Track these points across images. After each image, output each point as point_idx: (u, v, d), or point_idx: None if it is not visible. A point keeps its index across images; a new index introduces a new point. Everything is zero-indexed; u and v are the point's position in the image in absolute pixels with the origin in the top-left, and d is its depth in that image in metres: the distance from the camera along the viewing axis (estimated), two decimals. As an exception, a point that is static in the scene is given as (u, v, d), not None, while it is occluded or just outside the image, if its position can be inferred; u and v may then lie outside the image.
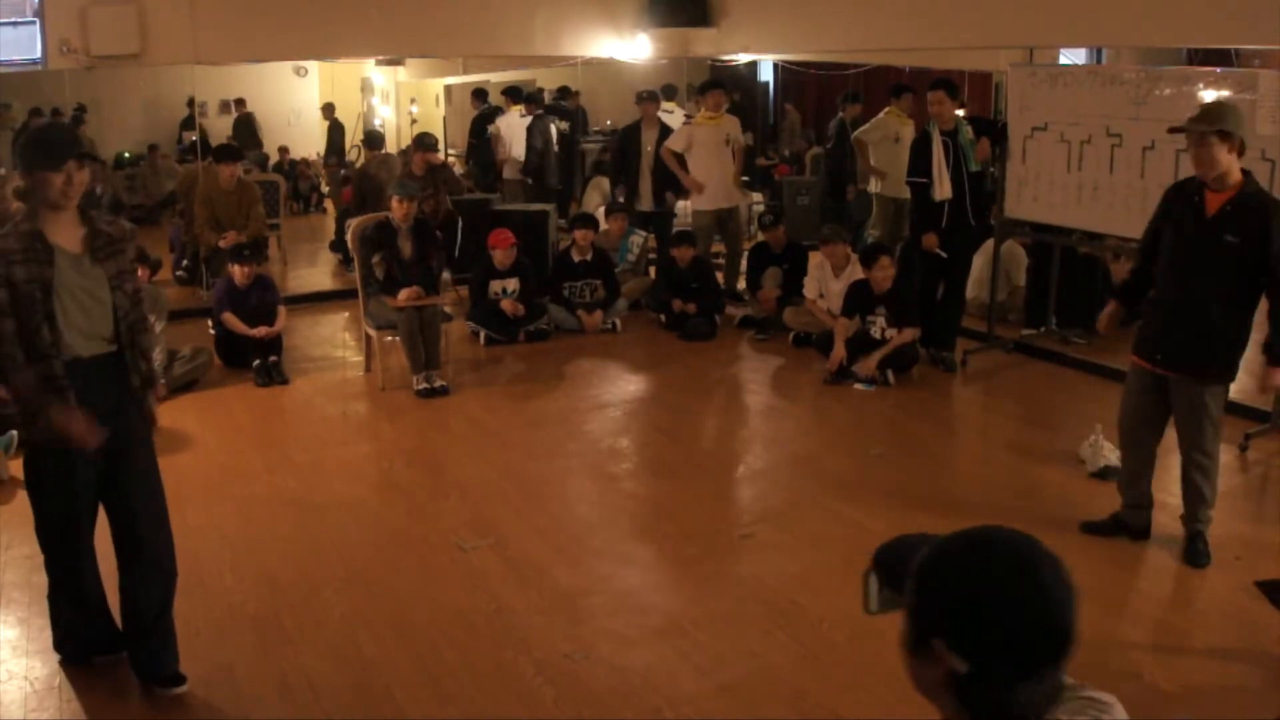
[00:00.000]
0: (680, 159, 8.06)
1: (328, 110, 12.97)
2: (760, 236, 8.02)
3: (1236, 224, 3.77)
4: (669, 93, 10.46)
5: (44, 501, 3.16)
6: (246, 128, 11.99)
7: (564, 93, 11.54)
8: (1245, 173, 3.84)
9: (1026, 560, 1.24)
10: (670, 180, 8.35)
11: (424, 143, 8.12)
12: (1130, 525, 4.25)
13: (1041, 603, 1.22)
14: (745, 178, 8.57)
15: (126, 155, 11.39)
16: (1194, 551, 4.07)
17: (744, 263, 8.22)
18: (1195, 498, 4.07)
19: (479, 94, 11.36)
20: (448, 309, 6.67)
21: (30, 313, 2.94)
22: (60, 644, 3.43)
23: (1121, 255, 6.51)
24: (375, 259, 6.41)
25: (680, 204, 9.03)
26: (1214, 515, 4.11)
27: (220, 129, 11.62)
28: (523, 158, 10.08)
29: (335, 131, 13.00)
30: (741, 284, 8.26)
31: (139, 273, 5.90)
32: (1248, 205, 3.78)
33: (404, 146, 11.45)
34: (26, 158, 2.97)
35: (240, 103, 12.07)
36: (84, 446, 2.98)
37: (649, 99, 8.71)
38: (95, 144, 8.94)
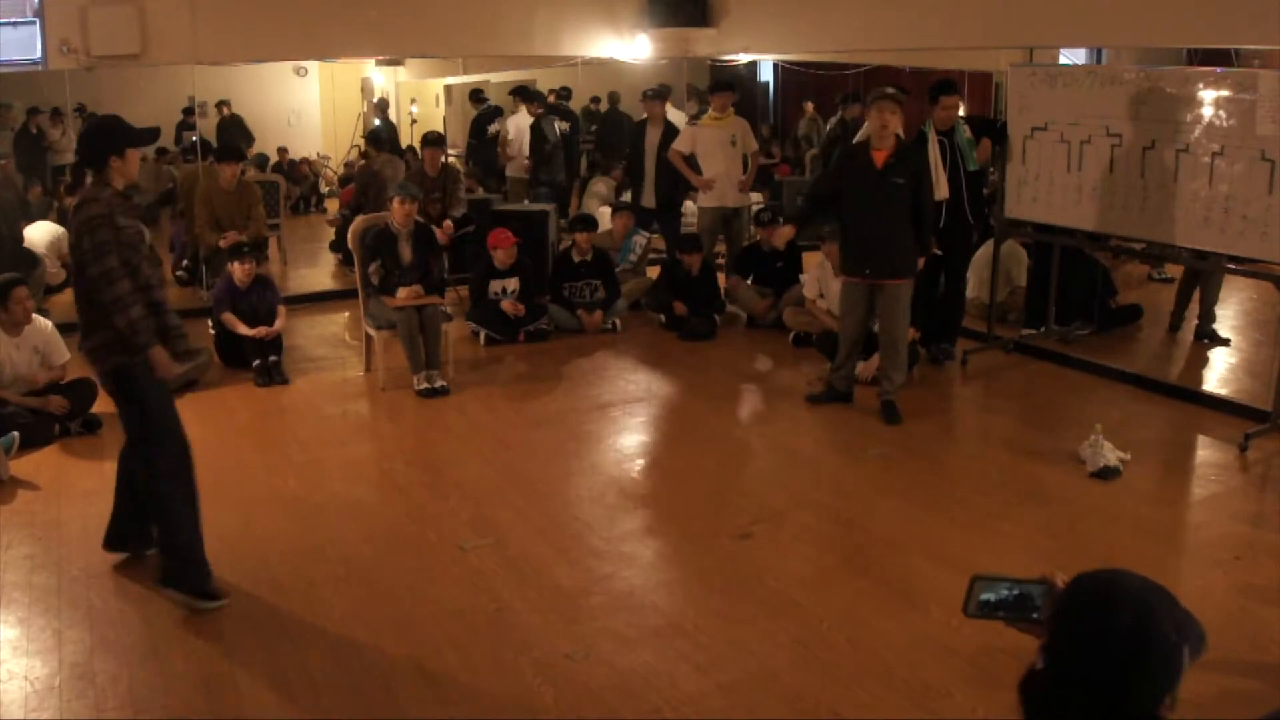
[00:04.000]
0: (690, 160, 8.06)
1: (383, 107, 12.62)
2: (758, 235, 8.01)
3: (900, 170, 5.50)
4: (664, 93, 10.43)
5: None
6: (235, 130, 11.76)
7: (564, 93, 11.53)
8: (896, 135, 5.56)
9: None
10: (674, 180, 8.33)
11: (434, 140, 8.10)
12: (840, 391, 5.95)
13: None
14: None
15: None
16: (891, 414, 5.69)
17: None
18: (891, 369, 5.75)
19: (476, 94, 11.33)
20: (448, 309, 6.67)
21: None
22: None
23: (1122, 255, 6.51)
24: (372, 267, 6.42)
25: (685, 204, 9.02)
26: (900, 385, 5.78)
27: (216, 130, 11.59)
28: (528, 158, 10.09)
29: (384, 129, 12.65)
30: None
31: None
32: (906, 156, 5.58)
33: (403, 146, 11.41)
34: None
35: (224, 104, 11.96)
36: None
37: (654, 97, 8.70)
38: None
